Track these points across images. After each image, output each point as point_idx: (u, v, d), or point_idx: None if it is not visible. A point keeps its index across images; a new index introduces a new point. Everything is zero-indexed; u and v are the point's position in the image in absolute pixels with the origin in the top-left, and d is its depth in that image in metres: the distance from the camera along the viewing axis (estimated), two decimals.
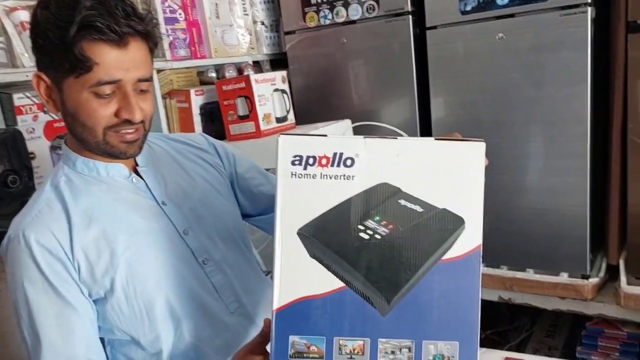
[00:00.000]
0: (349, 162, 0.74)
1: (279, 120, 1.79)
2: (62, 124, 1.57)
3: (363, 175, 0.74)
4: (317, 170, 0.73)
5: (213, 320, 0.94)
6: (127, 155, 0.90)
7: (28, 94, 1.52)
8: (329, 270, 0.72)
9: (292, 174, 0.72)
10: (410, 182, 0.76)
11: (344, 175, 0.74)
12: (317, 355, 0.72)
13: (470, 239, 0.78)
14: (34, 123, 1.53)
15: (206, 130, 1.84)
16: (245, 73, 2.01)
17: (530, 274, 1.75)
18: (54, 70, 0.84)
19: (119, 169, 0.93)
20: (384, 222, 0.75)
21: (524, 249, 1.75)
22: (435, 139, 0.78)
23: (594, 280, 1.66)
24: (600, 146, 1.67)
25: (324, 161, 0.73)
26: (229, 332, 0.95)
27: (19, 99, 1.50)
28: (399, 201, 0.76)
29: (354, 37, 1.93)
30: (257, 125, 1.71)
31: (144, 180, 0.95)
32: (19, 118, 1.51)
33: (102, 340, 0.92)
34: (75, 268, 0.85)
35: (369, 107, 1.95)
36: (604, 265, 1.72)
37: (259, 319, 0.98)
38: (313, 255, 0.73)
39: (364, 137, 0.75)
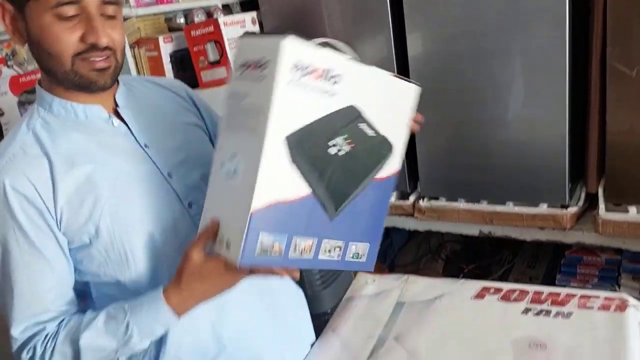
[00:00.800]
0: (334, 80, 0.80)
1: None
2: (29, 78, 1.54)
3: (340, 94, 0.81)
4: (309, 81, 0.76)
5: None
6: (98, 85, 0.86)
7: None
8: (303, 176, 0.78)
9: (290, 81, 0.74)
10: (368, 107, 0.86)
11: (328, 92, 0.79)
12: (277, 253, 0.77)
13: (394, 164, 0.93)
14: None
15: (178, 78, 1.80)
16: (215, 17, 1.95)
17: (509, 207, 1.77)
18: None
19: (97, 110, 0.90)
20: (348, 141, 0.84)
21: (503, 182, 1.76)
22: (392, 75, 0.91)
23: (572, 209, 1.68)
24: (580, 74, 1.65)
25: (315, 74, 0.77)
26: None
27: None
28: (360, 125, 0.86)
29: None
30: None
31: (125, 122, 0.92)
32: None
33: (86, 283, 0.91)
34: (55, 216, 0.83)
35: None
36: (583, 195, 1.74)
37: None
38: (293, 160, 0.77)
39: (350, 59, 0.82)
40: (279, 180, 0.76)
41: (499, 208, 1.78)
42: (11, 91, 1.51)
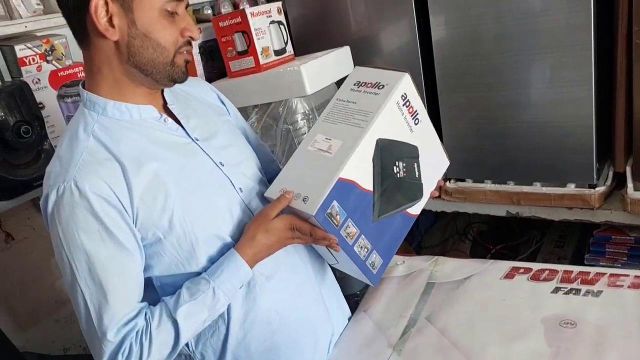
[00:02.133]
0: (416, 120, 1.04)
1: (277, 52, 1.78)
2: (67, 72, 1.59)
3: (415, 133, 1.04)
4: (405, 111, 1.01)
5: None
6: (186, 76, 0.95)
7: (29, 45, 1.53)
8: (373, 175, 0.97)
9: (396, 103, 0.98)
10: (422, 154, 1.07)
11: (410, 127, 1.03)
12: (335, 223, 0.93)
13: (417, 209, 1.10)
14: (38, 73, 1.55)
15: (207, 68, 1.85)
16: (241, 7, 1.98)
17: (537, 187, 1.78)
18: None
19: (150, 110, 0.95)
20: (404, 169, 1.04)
21: (530, 163, 1.77)
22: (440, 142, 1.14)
23: (600, 189, 1.69)
24: (606, 54, 1.64)
25: (410, 109, 1.02)
26: None
27: (21, 51, 1.51)
28: (414, 163, 1.06)
29: None
30: (257, 60, 1.71)
31: (177, 119, 0.98)
32: (23, 70, 1.53)
33: (149, 277, 0.94)
34: (132, 214, 0.86)
35: (367, 32, 1.93)
36: (610, 174, 1.74)
37: None
38: (374, 159, 0.96)
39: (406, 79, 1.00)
40: (362, 167, 0.94)
41: (526, 189, 1.79)
42: (50, 85, 1.57)
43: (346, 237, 0.96)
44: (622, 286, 1.13)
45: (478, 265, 1.32)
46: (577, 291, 1.16)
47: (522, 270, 1.27)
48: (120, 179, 0.86)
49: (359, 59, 1.81)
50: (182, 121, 0.98)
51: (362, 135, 0.93)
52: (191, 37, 0.92)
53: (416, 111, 1.03)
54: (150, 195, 0.88)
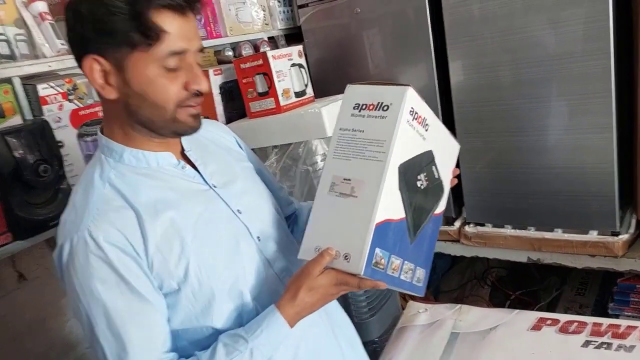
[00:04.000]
0: (427, 127, 0.96)
1: (297, 94, 1.79)
2: (88, 111, 1.61)
3: (427, 139, 0.97)
4: (415, 124, 0.92)
5: (270, 287, 0.96)
6: (194, 129, 0.89)
7: (52, 84, 1.54)
8: (402, 201, 0.91)
9: (407, 121, 0.89)
10: (436, 153, 1.01)
11: (422, 135, 0.95)
12: (381, 267, 0.88)
13: (443, 204, 1.07)
14: (59, 112, 1.56)
15: (227, 109, 1.86)
16: (262, 50, 2.01)
17: (558, 234, 1.75)
18: (115, 48, 0.81)
19: (168, 157, 0.92)
20: (426, 178, 0.99)
21: (551, 209, 1.74)
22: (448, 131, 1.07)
23: (624, 237, 1.65)
24: (627, 99, 1.63)
25: (419, 119, 0.94)
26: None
27: (43, 90, 1.52)
28: (432, 167, 1.01)
29: (368, 5, 1.90)
30: (277, 101, 1.71)
31: (194, 165, 0.95)
32: (44, 108, 1.53)
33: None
34: (148, 263, 0.84)
35: (386, 75, 1.94)
36: (633, 221, 1.71)
37: None
38: (399, 186, 0.90)
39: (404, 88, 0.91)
40: (391, 201, 0.88)
41: (547, 235, 1.76)
42: (71, 124, 1.57)
43: (392, 273, 0.91)
44: None
45: (503, 315, 1.28)
46: (609, 345, 1.12)
47: (549, 322, 1.23)
48: (136, 228, 0.84)
49: None
50: (199, 168, 0.95)
51: (385, 170, 0.86)
52: (198, 91, 0.86)
53: (425, 118, 0.94)
54: (166, 244, 0.85)
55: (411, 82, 1.89)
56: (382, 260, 0.88)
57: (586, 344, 1.13)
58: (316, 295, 0.87)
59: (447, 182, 1.07)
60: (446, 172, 1.06)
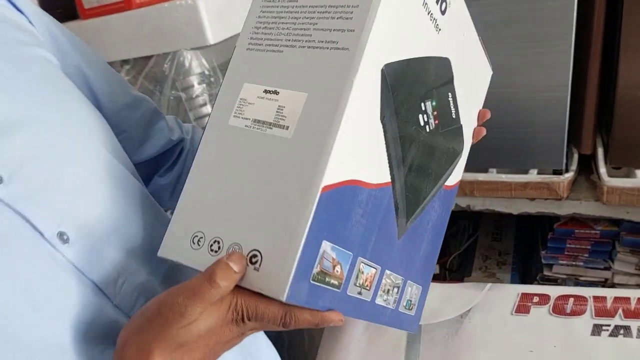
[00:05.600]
0: (444, 5, 0.54)
1: None
2: None
3: (445, 32, 0.55)
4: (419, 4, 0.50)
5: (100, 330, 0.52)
6: None
7: None
8: (386, 146, 0.50)
9: None
10: (457, 69, 0.61)
11: (436, 20, 0.53)
12: (335, 282, 0.47)
13: (460, 169, 0.70)
14: None
15: (49, 4, 1.24)
16: None
17: (494, 174, 1.46)
18: None
19: None
20: (435, 112, 0.57)
21: (484, 145, 1.43)
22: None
23: (568, 176, 1.40)
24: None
25: None
26: None
27: None
28: (449, 93, 0.61)
29: None
30: None
31: None
32: None
33: None
34: None
35: None
36: (575, 157, 1.47)
37: None
38: (382, 119, 0.48)
39: None
40: (362, 141, 0.46)
41: (480, 177, 1.46)
42: None
43: (359, 294, 0.50)
44: None
45: (474, 294, 0.93)
46: (627, 330, 0.82)
47: (536, 300, 0.91)
48: None
49: None
50: None
51: (353, 72, 0.43)
52: None
53: None
54: None
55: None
56: (337, 268, 0.46)
57: (596, 330, 0.82)
58: (194, 354, 0.43)
59: (468, 133, 0.68)
60: (469, 111, 0.66)
